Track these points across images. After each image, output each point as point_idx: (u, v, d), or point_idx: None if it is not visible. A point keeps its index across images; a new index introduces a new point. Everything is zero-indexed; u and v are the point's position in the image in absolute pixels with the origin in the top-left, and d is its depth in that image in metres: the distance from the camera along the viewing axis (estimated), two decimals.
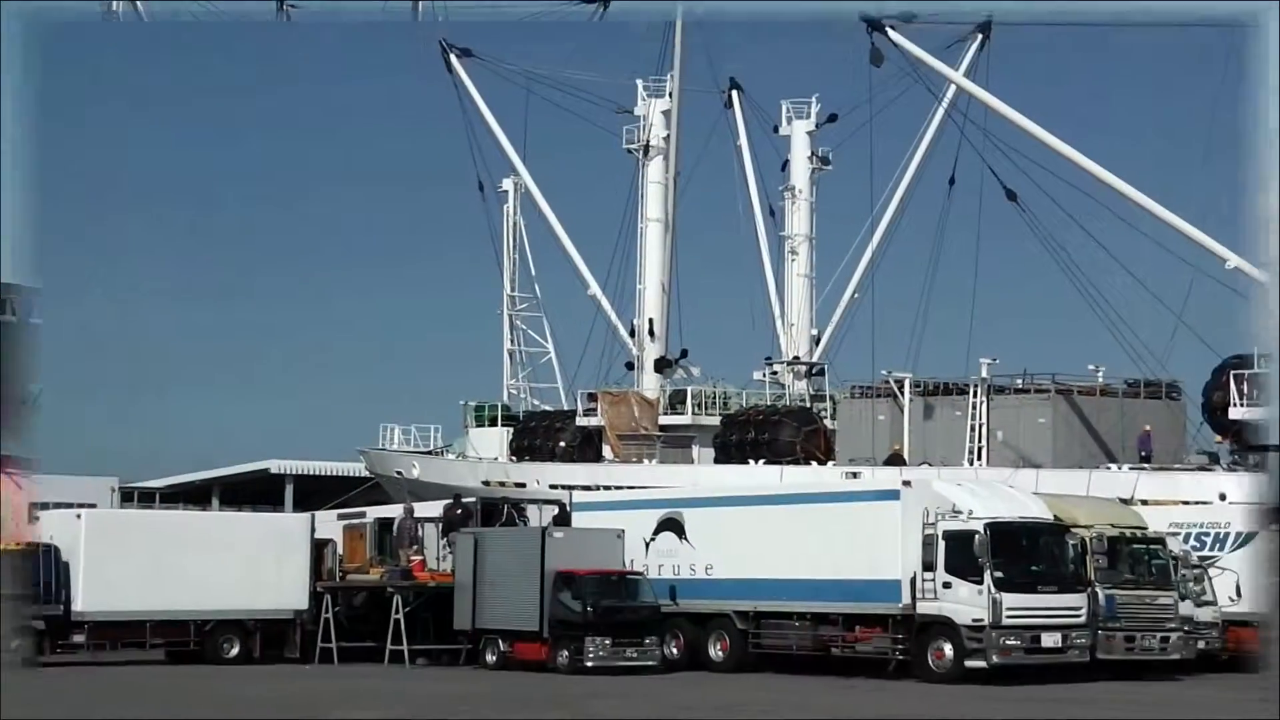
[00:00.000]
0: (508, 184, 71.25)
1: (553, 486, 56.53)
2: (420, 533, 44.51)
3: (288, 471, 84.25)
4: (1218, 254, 50.51)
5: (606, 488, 55.85)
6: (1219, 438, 50.58)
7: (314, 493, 75.36)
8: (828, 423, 58.61)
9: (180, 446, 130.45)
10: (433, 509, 46.74)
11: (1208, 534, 41.09)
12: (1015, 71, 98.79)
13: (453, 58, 70.16)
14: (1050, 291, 78.42)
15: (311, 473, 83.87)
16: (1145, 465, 48.57)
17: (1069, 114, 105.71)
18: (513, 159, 69.99)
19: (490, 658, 40.83)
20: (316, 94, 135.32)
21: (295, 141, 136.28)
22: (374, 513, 49.14)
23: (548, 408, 69.22)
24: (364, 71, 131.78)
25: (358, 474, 75.16)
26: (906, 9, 56.72)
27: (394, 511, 47.23)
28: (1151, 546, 38.31)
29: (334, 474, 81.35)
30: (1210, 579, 39.81)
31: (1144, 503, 43.83)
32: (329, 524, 47.32)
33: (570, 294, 70.65)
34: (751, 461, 56.48)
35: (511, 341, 71.57)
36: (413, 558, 43.67)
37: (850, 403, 56.93)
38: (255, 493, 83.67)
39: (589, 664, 38.73)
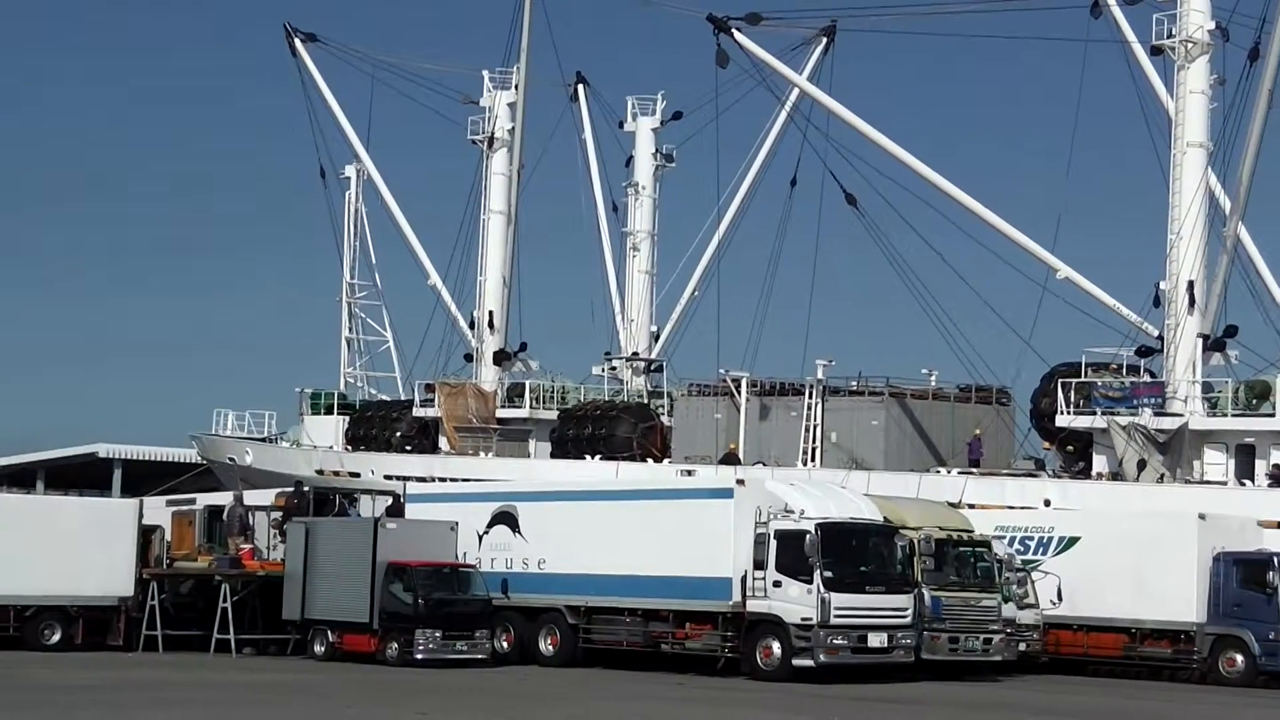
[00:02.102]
0: (350, 171, 70.65)
1: (387, 477, 56.19)
2: (251, 521, 43.99)
3: (116, 455, 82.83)
4: (1049, 264, 51.47)
5: (441, 479, 55.65)
6: (1046, 444, 51.57)
7: (144, 478, 74.12)
8: (665, 420, 58.84)
9: (3, 429, 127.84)
10: (264, 497, 46.24)
11: (1032, 538, 41.89)
12: (859, 76, 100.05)
13: (297, 42, 69.42)
14: (886, 295, 79.52)
15: (142, 457, 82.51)
16: (974, 470, 49.34)
17: (911, 120, 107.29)
18: (356, 146, 69.49)
19: (319, 649, 40.49)
20: (156, 70, 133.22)
21: (133, 120, 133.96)
22: (204, 499, 48.56)
23: (385, 397, 68.82)
24: (207, 50, 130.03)
25: (190, 460, 74.11)
26: (752, 10, 57.05)
27: (225, 499, 46.64)
28: (977, 549, 38.98)
29: (165, 459, 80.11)
30: (1033, 582, 40.60)
31: (971, 506, 44.53)
32: (158, 510, 46.64)
33: (410, 284, 70.44)
34: (588, 457, 56.54)
35: (350, 330, 70.99)
36: (242, 546, 43.15)
37: (687, 400, 57.19)
38: (82, 477, 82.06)
39: (419, 656, 38.57)
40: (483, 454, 59.78)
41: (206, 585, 42.88)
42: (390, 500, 45.43)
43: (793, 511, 37.00)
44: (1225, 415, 46.79)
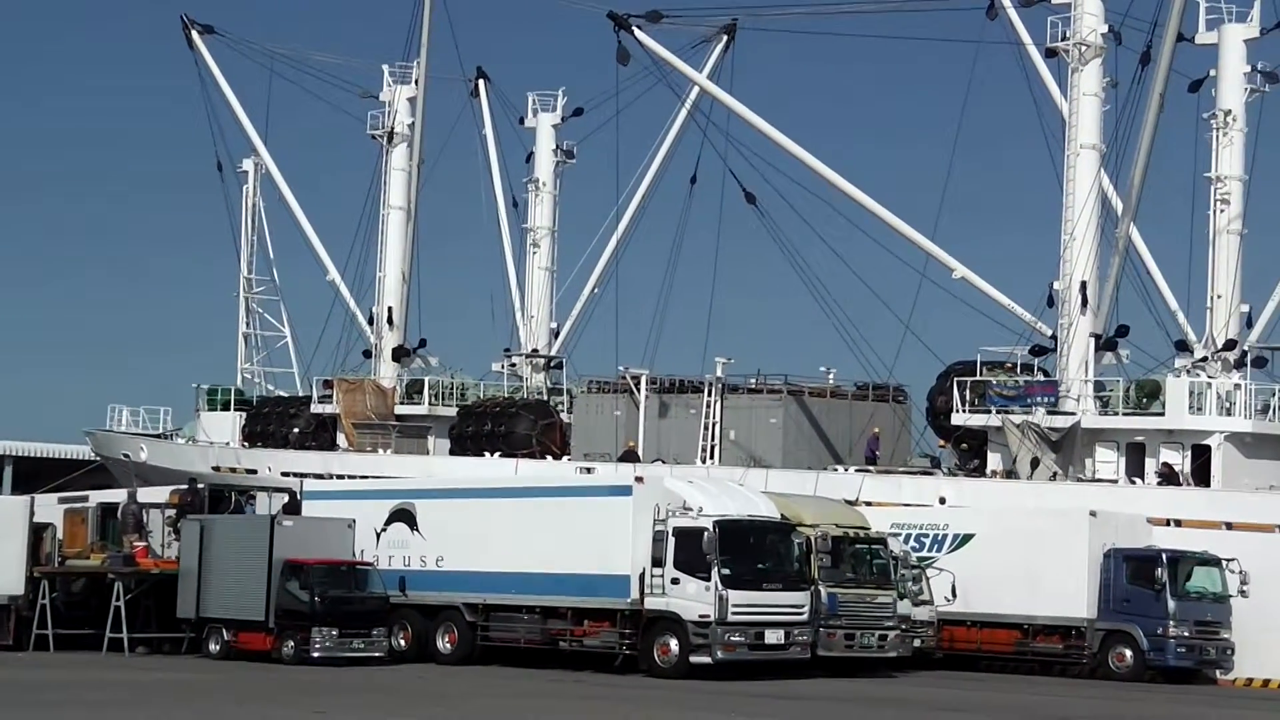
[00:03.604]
0: (248, 165, 70.15)
1: (285, 474, 55.81)
2: (145, 518, 43.56)
3: (7, 452, 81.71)
4: (945, 263, 51.94)
5: (339, 476, 55.33)
6: (941, 442, 52.06)
7: (36, 474, 73.10)
8: (564, 417, 58.83)
9: None
10: (159, 494, 45.79)
11: (927, 535, 42.34)
12: (760, 74, 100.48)
13: (194, 34, 68.77)
14: (786, 294, 79.98)
15: (33, 454, 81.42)
16: (871, 467, 49.72)
17: (810, 119, 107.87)
18: (254, 140, 68.88)
19: (213, 647, 40.20)
20: (47, 58, 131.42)
21: (25, 112, 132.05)
22: (97, 497, 48.02)
23: (282, 393, 68.31)
24: (102, 41, 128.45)
25: (83, 456, 73.22)
26: (652, 8, 57.14)
27: (119, 496, 46.15)
28: (873, 547, 39.32)
29: (58, 455, 79.11)
30: (928, 579, 41.02)
31: (868, 504, 44.87)
32: (49, 507, 46.03)
33: (309, 279, 69.89)
34: (487, 454, 56.42)
35: (247, 325, 70.47)
36: (136, 544, 42.71)
37: (587, 397, 57.20)
38: None
39: (315, 654, 38.41)
40: (381, 451, 59.51)
41: (99, 583, 42.42)
42: (287, 497, 45.14)
43: (691, 509, 37.16)
44: (1116, 414, 47.45)
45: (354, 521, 41.03)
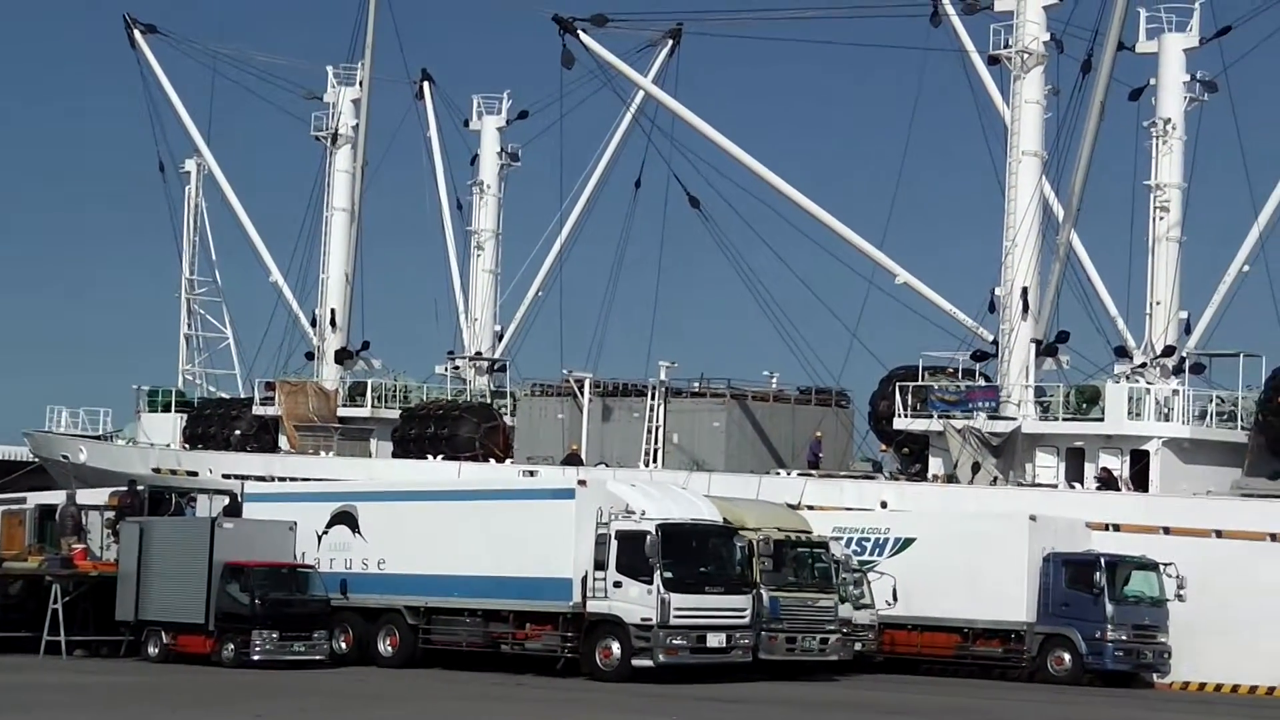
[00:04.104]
0: (190, 165, 69.80)
1: (226, 476, 55.51)
2: (84, 520, 43.25)
3: None
4: (888, 269, 52.18)
5: (281, 479, 55.10)
6: (883, 446, 52.28)
7: None
8: (508, 420, 58.79)
9: None
10: (99, 496, 45.47)
11: (868, 539, 42.51)
12: (705, 79, 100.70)
13: (136, 33, 68.39)
14: (729, 298, 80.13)
15: None
16: (813, 471, 49.86)
17: (755, 123, 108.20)
18: (196, 140, 68.58)
19: (152, 650, 39.97)
20: None
21: None
22: (36, 498, 47.66)
23: (224, 395, 67.99)
24: (43, 39, 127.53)
25: (22, 458, 72.67)
26: (598, 12, 57.20)
27: (58, 498, 45.80)
28: (815, 550, 39.46)
29: None
30: (869, 583, 41.18)
31: (810, 508, 44.97)
32: None
33: (251, 281, 69.61)
34: (430, 456, 56.31)
35: (189, 326, 70.12)
36: (75, 546, 42.40)
37: (530, 400, 57.16)
38: None
39: (255, 657, 38.24)
40: (323, 453, 59.28)
41: (37, 586, 42.07)
42: (227, 500, 44.92)
43: (634, 512, 37.19)
44: (1056, 419, 47.77)
45: (295, 524, 40.87)
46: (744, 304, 60.27)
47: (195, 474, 58.64)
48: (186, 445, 63.30)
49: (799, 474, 49.05)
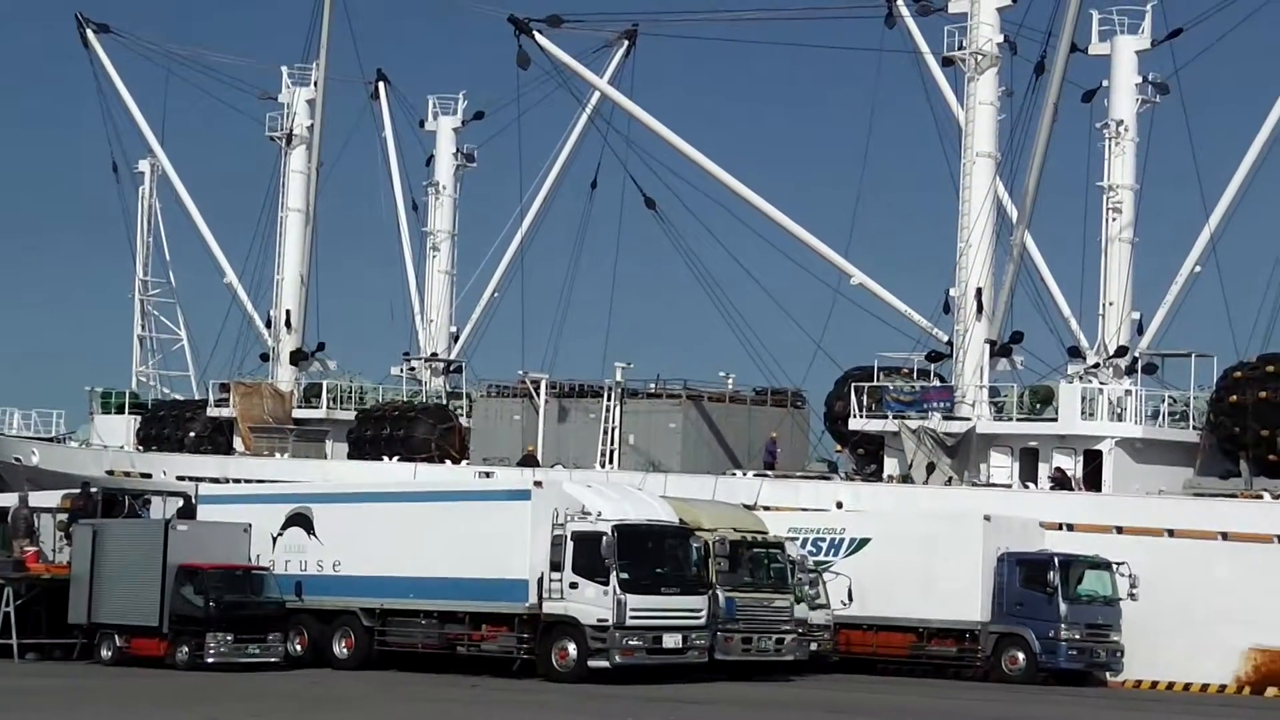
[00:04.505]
0: (144, 166, 69.49)
1: (180, 478, 55.31)
2: (37, 523, 42.98)
3: None
4: (844, 269, 52.32)
5: (236, 481, 54.91)
6: (839, 447, 52.44)
7: None
8: (463, 421, 58.73)
9: None
10: (51, 498, 45.19)
11: (824, 540, 42.60)
12: (661, 80, 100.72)
13: (89, 33, 68.04)
14: (685, 298, 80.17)
15: None
16: (769, 472, 49.97)
17: (711, 124, 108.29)
18: (150, 140, 68.28)
19: (106, 653, 39.76)
20: None
21: None
22: None
23: (178, 397, 67.74)
24: None
25: None
26: (553, 13, 57.20)
27: (10, 500, 45.51)
28: (771, 551, 39.52)
29: None
30: (824, 583, 41.29)
31: (766, 508, 45.05)
32: None
33: (206, 281, 69.36)
34: (386, 458, 56.21)
35: (143, 327, 69.83)
36: (27, 549, 42.13)
37: (486, 402, 57.13)
38: None
39: (209, 660, 38.08)
40: (278, 455, 59.10)
41: None
42: (181, 502, 44.72)
43: (590, 513, 37.19)
44: (1010, 420, 48.00)
45: (250, 526, 40.72)
46: (700, 305, 60.56)
47: (149, 476, 58.37)
48: (140, 447, 63.04)
49: (755, 475, 49.14)
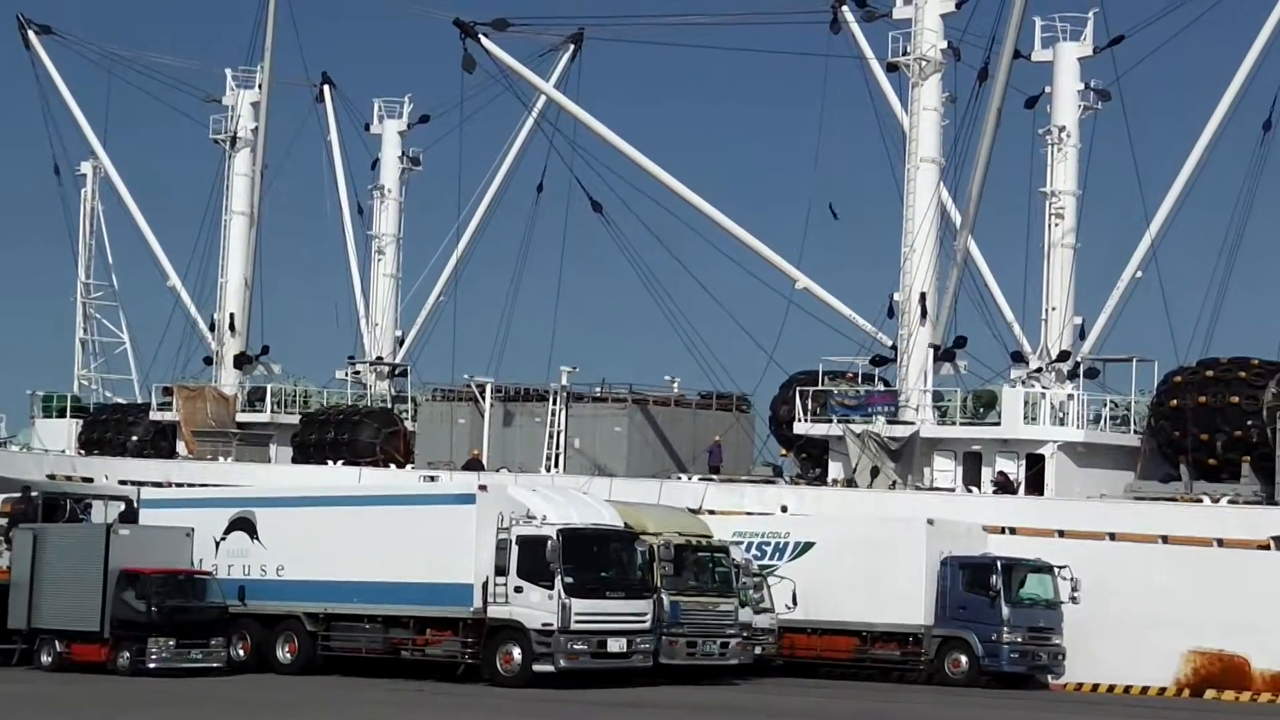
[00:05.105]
0: (86, 168, 69.13)
1: (122, 482, 54.97)
2: None
3: None
4: (789, 274, 52.48)
5: (179, 485, 54.61)
6: (783, 451, 52.58)
7: None
8: (408, 425, 58.59)
9: None
10: None
11: (769, 543, 42.69)
12: (607, 83, 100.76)
13: (30, 34, 67.57)
14: (631, 303, 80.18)
15: None
16: (714, 476, 50.05)
17: (658, 128, 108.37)
18: (92, 143, 67.91)
19: (46, 659, 39.45)
20: None
21: None
22: None
23: (120, 400, 67.37)
24: None
25: None
26: (499, 16, 57.18)
27: None
28: (715, 555, 39.58)
29: None
30: (769, 587, 41.38)
31: (711, 512, 45.14)
32: None
33: (149, 285, 68.99)
34: (330, 462, 56.02)
35: (85, 331, 69.47)
36: None
37: (431, 405, 57.01)
38: None
39: (151, 665, 37.85)
40: (222, 459, 58.80)
41: None
42: (123, 506, 44.46)
43: (535, 517, 37.18)
44: (954, 424, 48.26)
45: (192, 530, 40.53)
46: (646, 309, 60.40)
47: (91, 480, 58.02)
48: (82, 451, 62.68)
49: (700, 479, 49.21)
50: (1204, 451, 44.91)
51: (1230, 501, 42.75)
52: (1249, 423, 44.50)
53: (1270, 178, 48.52)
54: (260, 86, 63.63)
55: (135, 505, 43.79)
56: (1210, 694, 40.03)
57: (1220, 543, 40.82)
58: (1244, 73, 48.52)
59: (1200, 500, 43.09)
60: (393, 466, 55.44)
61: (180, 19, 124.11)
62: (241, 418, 61.79)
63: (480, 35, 56.91)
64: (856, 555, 41.20)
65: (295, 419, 60.53)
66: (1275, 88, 47.83)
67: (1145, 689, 40.85)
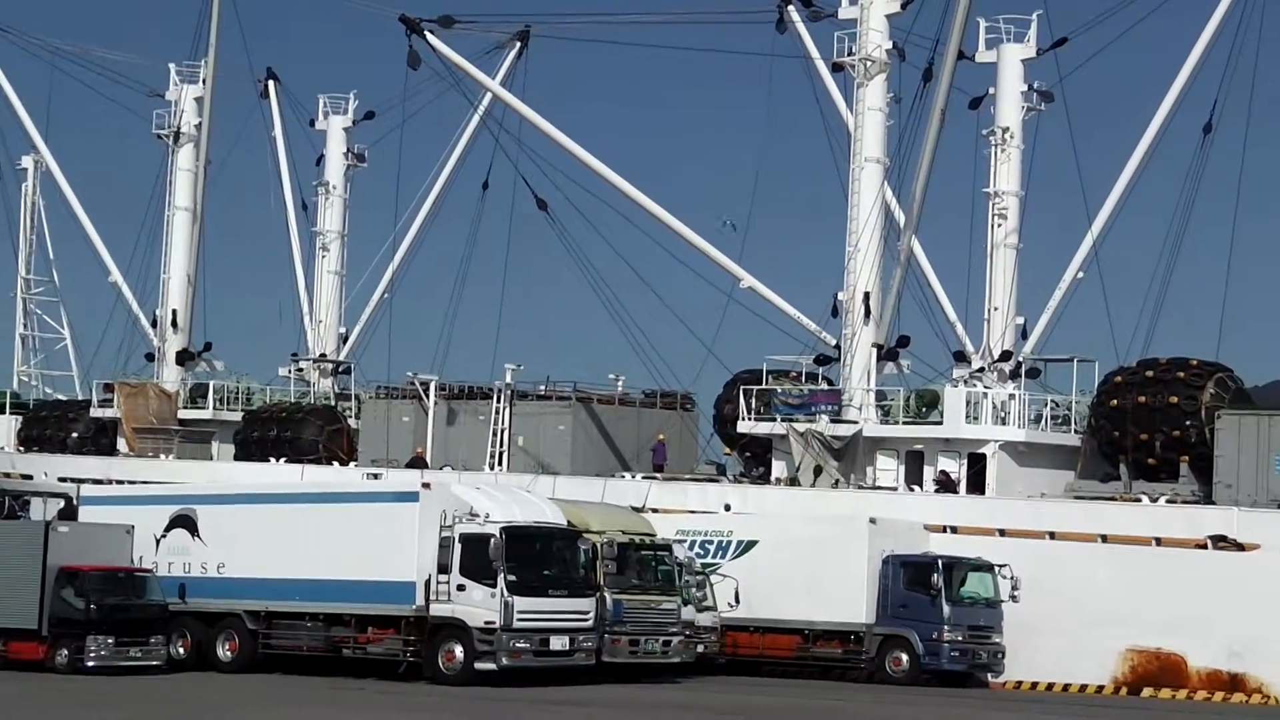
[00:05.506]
0: (27, 162, 68.72)
1: (62, 479, 54.47)
2: None
3: None
4: (733, 273, 52.59)
5: (119, 482, 54.25)
6: (727, 449, 52.70)
7: None
8: (352, 422, 58.41)
9: None
10: None
11: (712, 542, 42.72)
12: (554, 82, 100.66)
13: None
14: (576, 301, 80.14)
15: None
16: (658, 474, 50.10)
17: (604, 127, 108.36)
18: (34, 137, 67.48)
19: None
20: None
21: None
22: None
23: (61, 397, 66.94)
24: None
25: None
26: (445, 13, 57.02)
27: None
28: (658, 553, 39.62)
29: None
30: (712, 585, 41.44)
31: (655, 511, 45.15)
32: None
33: (90, 280, 68.56)
34: (273, 459, 55.78)
35: (25, 327, 69.01)
36: None
37: (375, 403, 56.87)
38: None
39: (90, 664, 37.59)
40: (163, 456, 58.49)
41: None
42: (63, 503, 44.18)
43: (478, 515, 37.12)
44: (897, 423, 48.47)
45: (133, 527, 40.27)
46: (591, 307, 60.45)
47: (30, 477, 57.44)
48: (21, 448, 62.27)
49: (644, 477, 49.24)
50: (1143, 451, 45.28)
51: (1169, 501, 43.13)
52: (1187, 423, 44.91)
53: (1210, 180, 49.01)
54: (204, 82, 63.33)
55: (75, 502, 43.53)
56: (1148, 692, 40.34)
57: (1159, 542, 41.13)
58: (1185, 76, 48.96)
59: (1139, 500, 43.43)
60: (336, 464, 55.27)
61: (124, 13, 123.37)
62: (183, 415, 61.50)
63: (426, 32, 56.81)
64: (799, 554, 41.29)
65: (238, 416, 60.28)
66: (1215, 91, 48.34)
67: (1084, 687, 41.13)
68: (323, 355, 64.30)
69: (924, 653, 40.25)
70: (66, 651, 37.86)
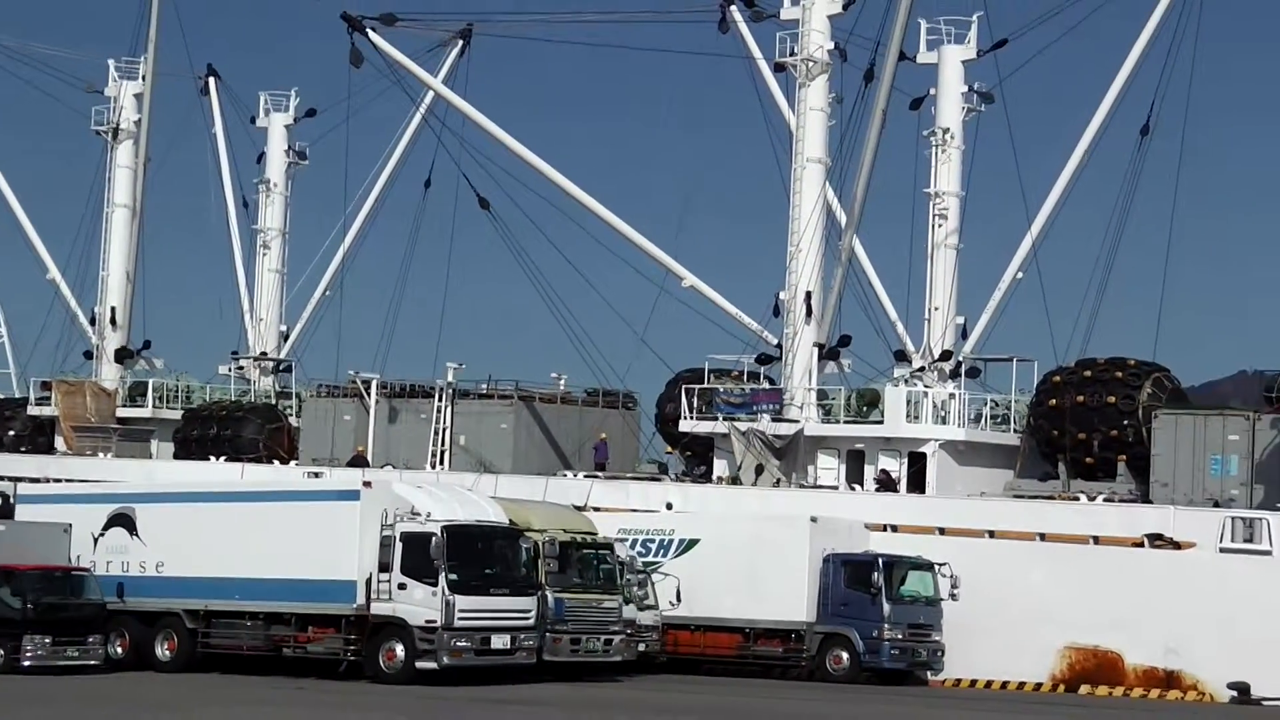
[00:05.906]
0: None
1: None
2: None
3: None
4: (676, 272, 52.70)
5: (57, 480, 53.87)
6: (669, 448, 52.80)
7: None
8: (293, 421, 58.19)
9: None
10: None
11: (653, 541, 42.78)
12: (497, 80, 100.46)
13: None
14: (518, 300, 80.00)
15: None
16: (599, 473, 50.15)
17: (547, 125, 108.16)
18: None
19: None
20: None
21: None
22: None
23: None
24: None
25: None
26: (387, 11, 56.86)
27: None
28: (600, 552, 39.67)
29: None
30: (653, 584, 41.51)
31: (597, 509, 45.17)
32: None
33: (27, 277, 67.97)
34: (213, 457, 55.52)
35: None
36: None
37: (316, 402, 56.67)
38: None
39: (26, 664, 37.27)
40: (102, 454, 58.13)
41: None
42: None
43: (419, 514, 37.06)
44: (837, 422, 48.67)
45: (70, 526, 40.00)
46: (533, 306, 60.40)
47: None
48: None
49: (585, 476, 49.27)
50: (1081, 450, 45.65)
51: (1106, 500, 43.49)
52: (1125, 422, 45.33)
53: (1148, 181, 49.49)
54: (144, 78, 62.97)
55: (11, 501, 43.24)
56: (1085, 689, 40.64)
57: (1096, 540, 41.43)
58: (1123, 78, 49.43)
59: (1077, 498, 43.77)
60: (276, 463, 55.06)
61: (62, 8, 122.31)
62: (122, 413, 61.13)
63: (368, 29, 56.65)
64: (740, 552, 41.40)
65: (177, 414, 60.01)
66: (1153, 93, 48.79)
67: (1022, 685, 41.39)
68: (263, 353, 64.03)
69: (864, 651, 40.42)
70: (3, 651, 37.49)
